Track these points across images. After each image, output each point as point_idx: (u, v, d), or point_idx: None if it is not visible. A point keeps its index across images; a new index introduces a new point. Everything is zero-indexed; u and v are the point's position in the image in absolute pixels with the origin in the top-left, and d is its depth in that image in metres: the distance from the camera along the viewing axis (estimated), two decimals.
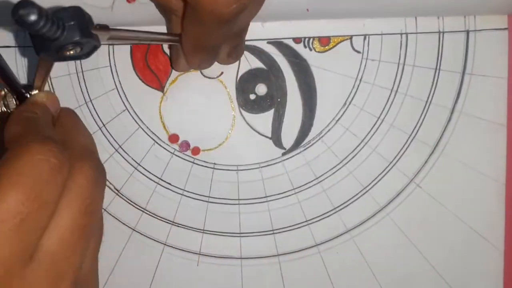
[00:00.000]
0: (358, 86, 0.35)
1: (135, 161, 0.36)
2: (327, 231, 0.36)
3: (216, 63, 0.34)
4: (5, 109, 0.31)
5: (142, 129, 0.36)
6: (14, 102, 0.31)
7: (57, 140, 0.26)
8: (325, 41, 0.35)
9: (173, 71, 0.35)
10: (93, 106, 0.36)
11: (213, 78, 0.36)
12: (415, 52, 0.35)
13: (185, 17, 0.30)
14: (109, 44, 0.35)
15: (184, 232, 0.36)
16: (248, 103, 0.36)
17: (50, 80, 0.36)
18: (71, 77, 0.36)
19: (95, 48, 0.26)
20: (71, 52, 0.25)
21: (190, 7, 0.27)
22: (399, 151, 0.35)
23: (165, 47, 0.35)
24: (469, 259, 0.35)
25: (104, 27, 0.26)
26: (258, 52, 0.35)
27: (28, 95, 0.30)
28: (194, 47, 0.31)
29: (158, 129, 0.36)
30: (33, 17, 0.21)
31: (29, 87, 0.30)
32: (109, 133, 0.36)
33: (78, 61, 0.35)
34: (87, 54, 0.26)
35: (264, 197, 0.36)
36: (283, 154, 0.35)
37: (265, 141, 0.36)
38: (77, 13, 0.24)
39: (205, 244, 0.36)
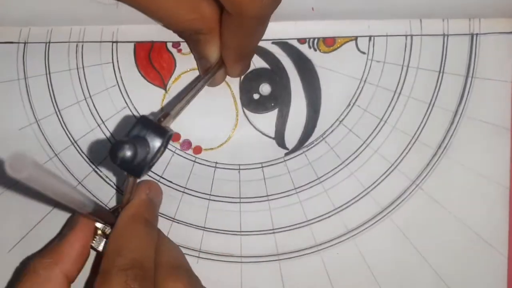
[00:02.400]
0: (363, 87, 0.35)
1: None
2: (328, 231, 0.36)
3: None
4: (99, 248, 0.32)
5: None
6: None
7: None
8: (330, 42, 0.35)
9: (177, 69, 0.35)
10: (92, 102, 0.35)
11: None
12: (420, 54, 0.35)
13: (223, 30, 0.30)
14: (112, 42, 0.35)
15: (185, 229, 0.36)
16: (252, 102, 0.35)
17: (50, 76, 0.35)
18: (71, 72, 0.35)
19: (170, 136, 0.28)
20: (158, 155, 0.27)
21: (229, 14, 0.28)
22: (402, 153, 0.35)
23: (169, 45, 0.35)
24: (471, 263, 0.35)
25: (166, 115, 0.28)
26: (262, 52, 0.35)
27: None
28: (239, 55, 0.32)
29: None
30: (129, 153, 0.24)
31: (116, 210, 0.32)
32: (108, 130, 0.35)
33: (80, 57, 0.35)
34: (166, 147, 0.28)
35: (266, 196, 0.36)
36: (286, 154, 0.35)
37: (268, 141, 0.35)
38: (143, 120, 0.27)
39: (205, 241, 0.36)
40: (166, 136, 0.26)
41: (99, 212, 0.29)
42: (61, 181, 0.21)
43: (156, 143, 0.26)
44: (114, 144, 0.24)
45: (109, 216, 0.31)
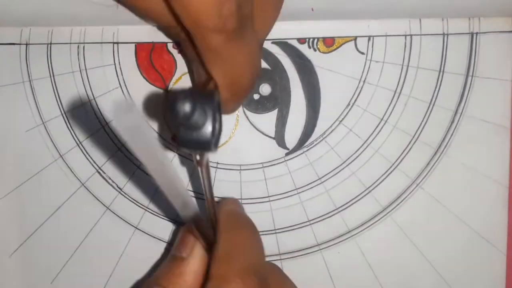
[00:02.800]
0: (362, 87, 0.35)
1: (138, 160, 0.36)
2: (329, 231, 0.36)
3: None
4: None
5: None
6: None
7: None
8: (330, 42, 0.35)
9: (177, 70, 0.35)
10: (96, 104, 0.36)
11: None
12: (419, 54, 0.35)
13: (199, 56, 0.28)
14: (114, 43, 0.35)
15: None
16: (252, 103, 0.36)
17: (54, 78, 0.36)
18: (75, 74, 0.36)
19: (219, 104, 0.24)
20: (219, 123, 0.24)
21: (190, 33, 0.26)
22: (402, 152, 0.35)
23: (170, 46, 0.35)
24: (471, 261, 0.35)
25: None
26: (262, 52, 0.35)
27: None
28: (226, 88, 0.29)
29: (162, 129, 0.36)
30: (187, 107, 0.21)
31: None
32: (112, 131, 0.36)
33: (82, 59, 0.35)
34: (220, 113, 0.24)
35: (267, 196, 0.36)
36: (286, 154, 0.36)
37: (268, 141, 0.36)
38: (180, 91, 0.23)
39: None
40: (216, 97, 0.23)
41: (199, 221, 0.28)
42: (164, 158, 0.20)
43: (211, 106, 0.23)
44: (171, 97, 0.21)
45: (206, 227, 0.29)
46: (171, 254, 0.31)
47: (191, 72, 0.35)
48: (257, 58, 0.30)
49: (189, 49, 0.31)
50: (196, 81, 0.32)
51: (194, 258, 0.29)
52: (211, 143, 0.23)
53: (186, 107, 0.20)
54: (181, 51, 0.35)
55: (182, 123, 0.22)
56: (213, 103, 0.23)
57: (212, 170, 0.36)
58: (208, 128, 0.23)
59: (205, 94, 0.23)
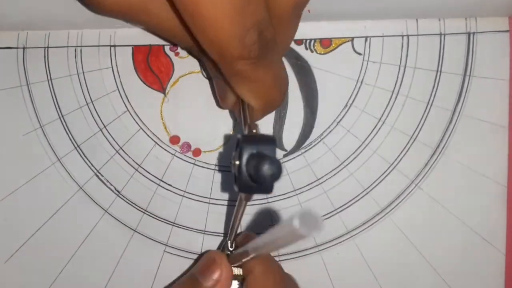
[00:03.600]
0: (359, 88, 0.35)
1: (136, 163, 0.36)
2: (328, 232, 0.36)
3: None
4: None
5: (143, 130, 0.36)
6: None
7: None
8: (327, 43, 0.35)
9: (175, 73, 0.35)
10: (94, 107, 0.36)
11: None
12: (416, 54, 0.35)
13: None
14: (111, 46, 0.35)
15: (185, 233, 0.36)
16: None
17: (51, 82, 0.36)
18: (72, 78, 0.36)
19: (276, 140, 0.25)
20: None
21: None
22: (400, 152, 0.35)
23: (167, 48, 0.35)
24: (470, 261, 0.35)
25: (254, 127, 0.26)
26: None
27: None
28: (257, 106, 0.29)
29: (159, 131, 0.36)
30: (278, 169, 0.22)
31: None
32: (110, 134, 0.36)
33: (79, 62, 0.35)
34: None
35: (265, 198, 0.36)
36: (285, 155, 0.36)
37: None
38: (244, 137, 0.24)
39: (206, 245, 0.36)
40: (275, 141, 0.24)
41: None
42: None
43: (272, 152, 0.23)
44: (259, 162, 0.22)
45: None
46: (193, 275, 0.31)
47: (212, 86, 0.35)
48: (283, 74, 0.30)
49: (209, 66, 0.31)
50: (218, 95, 0.32)
51: None
52: (270, 189, 0.24)
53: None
54: (202, 65, 0.35)
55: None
56: (272, 149, 0.24)
57: (210, 172, 0.36)
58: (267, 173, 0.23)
59: (265, 139, 0.24)
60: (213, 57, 0.26)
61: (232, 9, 0.23)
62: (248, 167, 0.23)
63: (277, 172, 0.22)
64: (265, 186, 0.23)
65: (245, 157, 0.23)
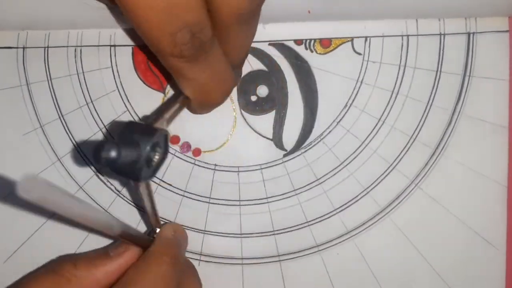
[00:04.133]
0: (359, 88, 0.35)
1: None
2: (328, 232, 0.36)
3: None
4: None
5: None
6: None
7: None
8: (327, 43, 0.35)
9: None
10: (94, 107, 0.36)
11: None
12: (416, 54, 0.35)
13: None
14: (111, 46, 0.35)
15: (186, 232, 0.36)
16: (249, 104, 0.36)
17: (51, 82, 0.36)
18: (72, 78, 0.36)
19: (166, 137, 0.27)
20: (157, 156, 0.26)
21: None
22: (400, 152, 0.35)
23: None
24: (471, 261, 0.35)
25: (157, 118, 0.28)
26: (259, 54, 0.35)
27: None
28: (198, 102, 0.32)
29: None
30: (113, 153, 0.23)
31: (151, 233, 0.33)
32: (110, 134, 0.36)
33: (79, 62, 0.36)
34: (165, 148, 0.27)
35: (265, 198, 0.36)
36: (284, 155, 0.36)
37: (266, 142, 0.36)
38: (129, 123, 0.26)
39: (206, 245, 0.36)
40: (155, 135, 0.26)
41: (131, 235, 0.29)
42: (80, 202, 0.21)
43: (146, 144, 0.25)
44: (97, 145, 0.24)
45: (144, 239, 0.31)
46: (103, 248, 0.33)
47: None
48: (225, 76, 0.30)
49: None
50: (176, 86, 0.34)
51: (115, 263, 0.30)
52: (141, 177, 0.26)
53: (112, 153, 0.23)
54: None
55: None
56: (150, 141, 0.25)
57: (210, 172, 0.36)
58: (141, 163, 0.25)
59: (147, 130, 0.26)
60: (152, 50, 0.27)
61: (160, 9, 0.24)
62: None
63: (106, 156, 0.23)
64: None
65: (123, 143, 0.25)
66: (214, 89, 0.30)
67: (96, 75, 0.36)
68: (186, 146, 0.36)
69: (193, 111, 0.34)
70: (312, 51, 0.35)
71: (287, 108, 0.35)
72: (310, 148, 0.36)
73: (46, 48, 0.36)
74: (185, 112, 0.35)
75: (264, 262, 0.36)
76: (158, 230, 0.33)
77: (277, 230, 0.36)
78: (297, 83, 0.35)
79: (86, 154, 0.36)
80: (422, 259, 0.35)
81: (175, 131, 0.36)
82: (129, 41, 0.35)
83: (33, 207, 0.35)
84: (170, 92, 0.36)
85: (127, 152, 0.24)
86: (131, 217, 0.36)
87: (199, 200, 0.36)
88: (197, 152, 0.36)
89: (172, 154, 0.36)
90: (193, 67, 0.27)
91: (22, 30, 0.35)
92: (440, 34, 0.35)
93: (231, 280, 0.36)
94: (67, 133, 0.36)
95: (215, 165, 0.36)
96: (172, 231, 0.33)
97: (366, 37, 0.35)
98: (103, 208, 0.36)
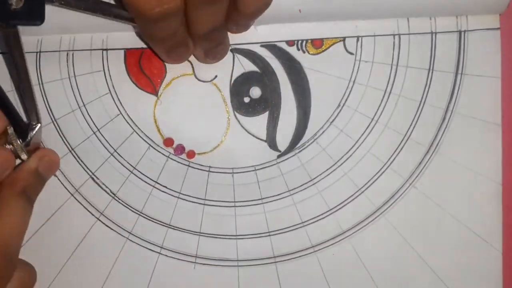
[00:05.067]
0: (352, 87, 0.35)
1: (131, 165, 0.36)
2: (323, 232, 0.36)
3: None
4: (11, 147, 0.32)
5: (137, 133, 0.36)
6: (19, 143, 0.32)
7: None
8: (318, 43, 0.35)
9: (167, 75, 0.35)
10: (86, 111, 0.36)
11: (207, 81, 0.36)
12: (408, 53, 0.35)
13: None
14: (103, 50, 0.35)
15: (181, 235, 0.36)
16: (243, 106, 0.36)
17: (43, 86, 0.36)
18: (64, 82, 0.36)
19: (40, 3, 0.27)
20: (13, 5, 0.26)
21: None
22: (394, 151, 0.35)
23: None
24: (467, 259, 0.35)
25: None
26: (251, 55, 0.35)
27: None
28: (147, 38, 0.32)
29: (153, 133, 0.36)
30: None
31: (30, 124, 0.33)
32: (104, 137, 0.36)
33: (71, 66, 0.36)
34: (39, 14, 0.27)
35: (260, 199, 0.36)
36: (278, 156, 0.36)
37: (260, 143, 0.36)
38: None
39: (201, 246, 0.36)
40: None
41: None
42: None
43: None
44: None
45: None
46: None
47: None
48: (173, 33, 0.30)
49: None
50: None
51: None
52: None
53: None
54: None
55: None
56: None
57: (204, 174, 0.36)
58: None
59: None
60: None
61: None
62: None
63: None
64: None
65: None
66: None
67: (88, 78, 0.36)
68: (180, 149, 0.36)
69: (200, 59, 0.34)
70: (304, 52, 0.35)
71: (280, 109, 0.35)
72: (303, 149, 0.36)
73: (38, 53, 0.36)
74: (178, 114, 0.35)
75: (260, 264, 0.36)
76: (36, 125, 0.33)
77: (272, 231, 0.36)
78: (290, 84, 0.35)
79: (81, 157, 0.36)
80: (418, 257, 0.35)
81: (169, 134, 0.36)
82: (121, 45, 0.35)
83: None
84: (163, 94, 0.36)
85: None
86: (126, 220, 0.36)
87: (194, 202, 0.36)
88: (191, 154, 0.36)
89: (166, 156, 0.36)
90: None
91: None
92: (432, 33, 0.35)
93: (227, 282, 0.36)
94: (61, 137, 0.36)
95: (210, 167, 0.36)
96: (37, 163, 0.33)
97: (357, 37, 0.35)
98: (99, 211, 0.36)
